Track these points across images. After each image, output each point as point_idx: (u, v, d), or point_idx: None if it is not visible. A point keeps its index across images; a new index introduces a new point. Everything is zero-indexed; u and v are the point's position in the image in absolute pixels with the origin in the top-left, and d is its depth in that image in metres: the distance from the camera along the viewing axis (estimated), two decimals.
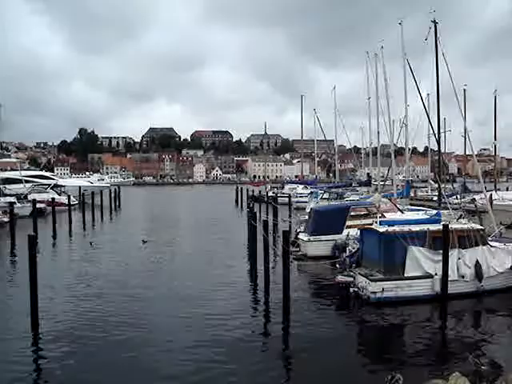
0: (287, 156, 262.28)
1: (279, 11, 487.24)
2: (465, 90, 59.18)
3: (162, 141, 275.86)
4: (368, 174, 58.42)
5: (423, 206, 35.67)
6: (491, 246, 18.58)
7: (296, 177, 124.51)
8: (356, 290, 17.22)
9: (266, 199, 49.80)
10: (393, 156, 33.64)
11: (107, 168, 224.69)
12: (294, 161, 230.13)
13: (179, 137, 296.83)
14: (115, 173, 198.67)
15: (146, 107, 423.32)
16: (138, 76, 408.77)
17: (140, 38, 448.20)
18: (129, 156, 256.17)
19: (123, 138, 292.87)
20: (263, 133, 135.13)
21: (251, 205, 30.25)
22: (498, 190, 57.44)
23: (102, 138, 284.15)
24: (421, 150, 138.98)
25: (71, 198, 47.31)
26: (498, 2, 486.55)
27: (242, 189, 65.29)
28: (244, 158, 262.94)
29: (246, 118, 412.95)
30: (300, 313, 15.42)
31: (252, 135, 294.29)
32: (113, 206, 57.45)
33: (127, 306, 16.57)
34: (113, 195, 58.88)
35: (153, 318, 15.32)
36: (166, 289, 19.08)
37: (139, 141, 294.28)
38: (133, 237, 33.90)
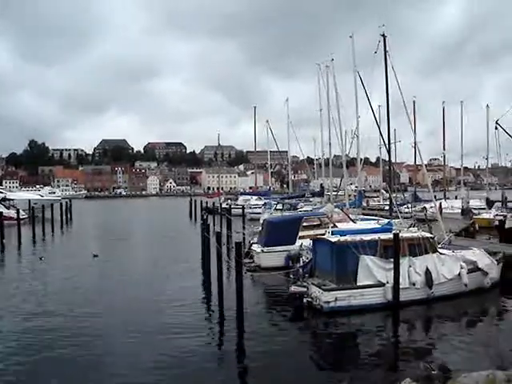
0: (241, 167, 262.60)
1: (233, 22, 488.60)
2: (414, 102, 60.57)
3: (115, 153, 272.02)
4: (321, 184, 59.01)
5: (375, 215, 36.23)
6: (440, 254, 19.04)
7: (250, 188, 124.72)
8: (309, 300, 17.25)
9: (219, 211, 49.67)
10: (344, 166, 34.13)
11: (58, 181, 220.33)
12: (248, 172, 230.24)
13: (132, 149, 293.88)
14: (67, 186, 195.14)
15: (99, 118, 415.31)
16: (90, 86, 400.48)
17: (92, 47, 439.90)
18: (81, 168, 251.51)
19: (75, 150, 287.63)
20: (217, 144, 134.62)
21: (205, 217, 30.13)
22: (448, 198, 58.92)
23: (53, 150, 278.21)
24: (373, 160, 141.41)
25: (20, 211, 46.18)
26: (446, 17, 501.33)
27: (195, 201, 64.89)
28: (198, 170, 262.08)
29: (199, 130, 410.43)
30: (254, 324, 15.34)
31: (206, 147, 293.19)
32: (64, 219, 56.37)
33: (76, 323, 16.08)
34: (64, 208, 57.76)
35: (103, 335, 14.96)
36: (117, 304, 18.70)
37: (91, 153, 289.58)
38: (84, 251, 33.15)
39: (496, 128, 33.72)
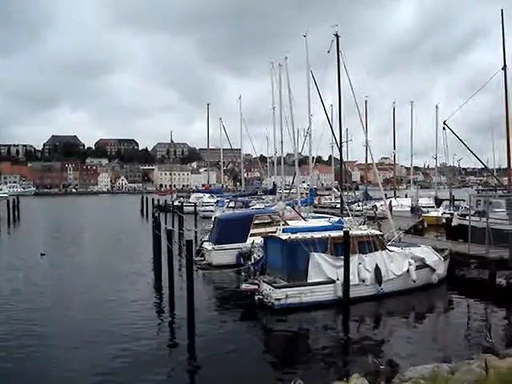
0: (194, 165, 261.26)
1: (188, 18, 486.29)
2: (366, 101, 61.67)
3: (66, 149, 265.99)
4: (274, 182, 59.28)
5: (327, 213, 36.56)
6: (390, 251, 19.35)
7: (203, 186, 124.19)
8: (261, 297, 17.24)
9: (171, 209, 49.25)
10: (297, 165, 34.25)
11: (5, 177, 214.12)
12: (201, 170, 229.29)
13: (83, 145, 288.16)
14: (14, 182, 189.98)
15: (49, 114, 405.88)
16: (40, 81, 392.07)
17: (43, 40, 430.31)
18: (29, 165, 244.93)
19: (23, 145, 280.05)
20: (170, 141, 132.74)
21: (156, 214, 29.74)
22: (398, 197, 59.98)
23: (0, 145, 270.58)
24: (325, 158, 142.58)
25: None
26: (401, 18, 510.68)
27: (147, 198, 64.25)
28: (150, 167, 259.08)
29: (152, 126, 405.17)
30: (205, 322, 15.22)
31: (158, 144, 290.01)
32: (11, 217, 54.80)
33: (17, 326, 15.47)
34: (11, 206, 56.16)
35: (51, 335, 14.63)
36: (63, 306, 18.15)
37: (41, 149, 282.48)
38: (31, 250, 32.35)
39: (444, 128, 34.27)
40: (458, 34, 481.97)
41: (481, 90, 34.07)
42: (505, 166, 38.80)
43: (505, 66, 33.38)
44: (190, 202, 59.75)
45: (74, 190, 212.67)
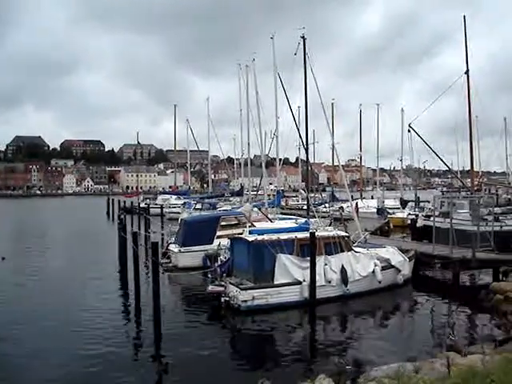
0: (161, 166, 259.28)
1: (157, 17, 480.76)
2: (333, 104, 62.11)
3: (30, 150, 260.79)
4: (242, 184, 59.30)
5: (293, 214, 36.68)
6: (355, 252, 19.50)
7: (170, 187, 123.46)
8: (227, 299, 17.16)
9: (138, 210, 48.81)
10: (264, 166, 34.30)
11: None
12: (168, 171, 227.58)
13: (48, 146, 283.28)
14: None
15: (12, 114, 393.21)
16: (2, 79, 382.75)
17: (4, 37, 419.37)
18: None
19: None
20: (136, 142, 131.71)
21: (122, 216, 29.44)
22: (364, 198, 60.58)
23: None
24: (293, 160, 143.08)
25: None
26: (369, 21, 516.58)
27: (113, 200, 63.56)
28: (117, 169, 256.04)
29: (119, 127, 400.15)
30: (171, 325, 15.07)
31: (125, 145, 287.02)
32: None
33: None
34: None
35: (16, 342, 14.21)
36: (24, 311, 17.60)
37: (4, 150, 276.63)
38: None
39: (409, 131, 34.73)
40: (424, 38, 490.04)
41: (446, 94, 34.66)
42: (469, 167, 39.57)
43: (467, 70, 34.01)
44: (156, 204, 59.29)
45: (38, 192, 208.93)
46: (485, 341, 12.61)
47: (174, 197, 67.31)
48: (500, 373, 5.70)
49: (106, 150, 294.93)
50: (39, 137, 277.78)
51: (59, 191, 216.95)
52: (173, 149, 79.73)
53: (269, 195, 38.60)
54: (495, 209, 29.42)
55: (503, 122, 64.48)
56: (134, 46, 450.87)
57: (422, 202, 51.55)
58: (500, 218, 28.77)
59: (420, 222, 31.74)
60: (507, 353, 7.97)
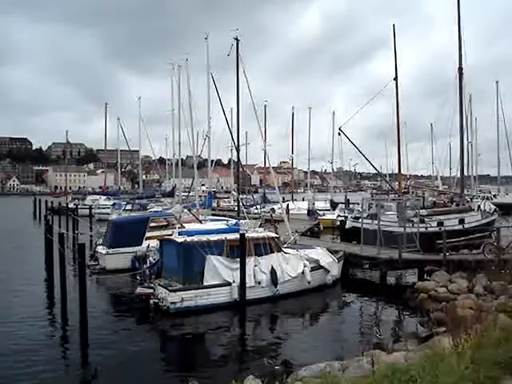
0: (91, 166, 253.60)
1: (89, 10, 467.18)
2: (266, 106, 62.57)
3: None
4: (174, 184, 58.72)
5: (225, 216, 36.59)
6: (285, 253, 19.63)
7: (100, 188, 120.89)
8: (156, 301, 16.94)
9: (66, 211, 47.46)
10: (195, 167, 34.02)
11: None
12: (99, 171, 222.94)
13: None
14: None
15: None
16: None
17: None
18: None
19: None
20: (65, 141, 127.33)
21: (49, 217, 28.53)
22: (295, 200, 61.20)
23: None
24: (225, 161, 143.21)
25: None
26: (305, 25, 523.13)
27: (40, 200, 61.58)
28: (44, 168, 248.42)
29: (47, 125, 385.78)
30: (99, 329, 14.70)
31: (54, 143, 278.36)
32: None
33: None
34: None
35: None
36: None
37: None
38: None
39: (339, 134, 35.28)
40: (360, 43, 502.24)
41: (378, 99, 35.54)
42: (397, 171, 40.72)
43: (396, 76, 35.02)
44: (85, 205, 57.84)
45: None
46: (409, 338, 12.95)
47: (103, 197, 65.99)
48: (419, 368, 5.83)
49: (34, 148, 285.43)
50: None
51: None
52: (103, 148, 78.08)
53: (200, 196, 38.35)
54: (421, 211, 30.35)
55: (430, 127, 66.89)
56: (66, 39, 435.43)
57: (352, 204, 52.55)
58: (425, 219, 29.69)
59: (349, 224, 32.35)
60: (428, 349, 8.17)
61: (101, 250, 24.94)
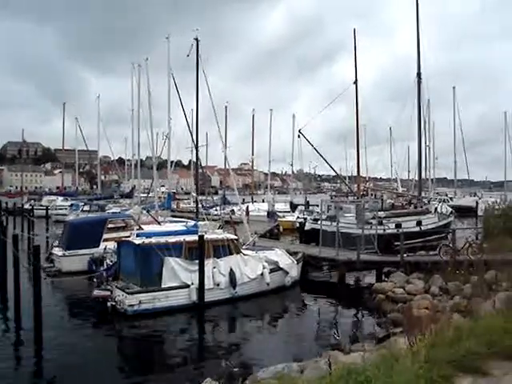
0: (48, 166, 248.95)
1: (49, 7, 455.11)
2: (226, 107, 62.57)
3: None
4: (134, 185, 58.16)
5: (184, 217, 36.40)
6: (244, 255, 19.59)
7: (58, 188, 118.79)
8: (113, 303, 16.67)
9: (21, 212, 46.43)
10: (155, 168, 33.86)
11: None
12: (56, 171, 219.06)
13: None
14: None
15: None
16: None
17: None
18: None
19: None
20: (21, 140, 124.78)
21: (3, 218, 27.85)
22: (255, 202, 61.32)
23: None
24: (186, 162, 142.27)
25: None
26: (270, 27, 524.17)
27: None
28: None
29: (2, 124, 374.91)
30: (55, 333, 14.34)
31: (9, 142, 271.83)
32: None
33: None
34: None
35: None
36: None
37: None
38: None
39: (299, 136, 35.52)
40: (325, 45, 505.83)
41: (339, 102, 35.95)
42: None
43: (356, 80, 35.45)
44: (41, 205, 56.75)
45: None
46: (367, 338, 13.10)
47: (60, 198, 64.75)
48: (375, 369, 5.88)
49: None
50: None
51: None
52: (61, 148, 76.80)
53: (160, 198, 38.04)
54: (379, 213, 30.73)
55: (389, 131, 67.93)
56: (22, 35, 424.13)
57: (312, 205, 52.92)
58: (383, 221, 30.07)
59: (308, 226, 32.49)
60: (383, 349, 8.25)
61: (57, 251, 24.39)
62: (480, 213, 48.52)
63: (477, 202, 61.98)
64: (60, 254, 23.86)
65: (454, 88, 67.08)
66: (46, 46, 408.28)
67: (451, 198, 67.34)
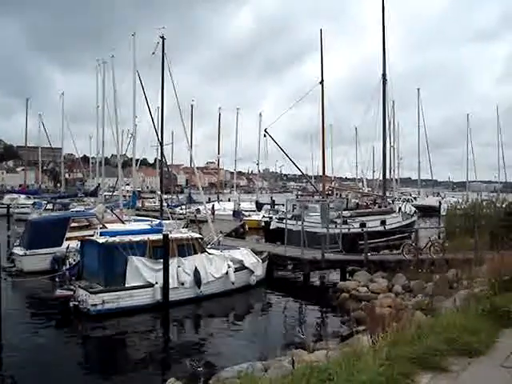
0: (10, 163, 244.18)
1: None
2: (192, 106, 62.34)
3: None
4: (99, 184, 57.48)
5: (150, 216, 36.15)
6: (209, 254, 19.55)
7: (20, 186, 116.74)
8: (76, 303, 16.43)
9: None
10: (120, 167, 33.48)
11: None
12: (19, 169, 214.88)
13: None
14: None
15: None
16: None
17: None
18: None
19: None
20: None
21: None
22: (221, 201, 61.23)
23: None
24: (151, 161, 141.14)
25: None
26: (238, 26, 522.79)
27: None
28: None
29: None
30: (16, 334, 14.11)
31: None
32: None
33: None
34: None
35: None
36: None
37: None
38: None
39: (265, 135, 35.64)
40: (293, 45, 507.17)
41: (305, 102, 36.17)
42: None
43: (322, 80, 35.71)
44: (2, 204, 55.66)
45: None
46: (331, 337, 13.20)
47: (23, 196, 63.60)
48: (337, 366, 5.91)
49: None
50: None
51: None
52: (24, 145, 75.53)
53: (124, 196, 37.65)
54: (344, 212, 30.98)
55: (355, 131, 68.56)
56: None
57: (277, 205, 53.03)
58: (348, 221, 30.33)
59: (273, 225, 32.57)
60: (347, 347, 8.32)
61: (18, 251, 23.90)
62: (443, 212, 49.31)
63: (440, 202, 63.10)
64: (21, 253, 23.36)
65: (418, 90, 68.24)
66: (8, 39, 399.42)
67: (415, 198, 68.41)
